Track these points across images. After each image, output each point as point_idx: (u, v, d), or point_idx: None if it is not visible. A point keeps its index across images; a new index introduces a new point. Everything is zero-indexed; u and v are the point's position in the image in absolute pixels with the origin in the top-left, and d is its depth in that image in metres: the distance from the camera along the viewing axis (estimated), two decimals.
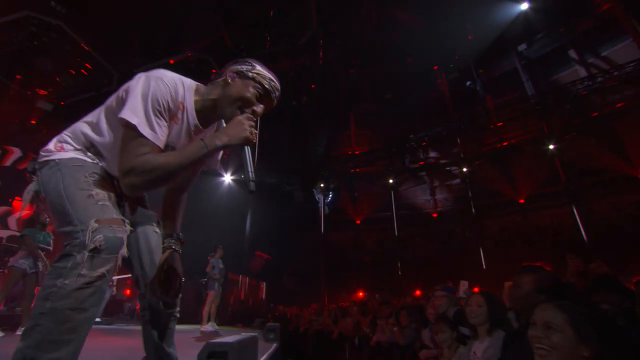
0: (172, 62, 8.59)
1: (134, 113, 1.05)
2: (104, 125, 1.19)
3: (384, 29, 11.95)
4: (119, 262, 0.98)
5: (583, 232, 10.47)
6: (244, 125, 1.13)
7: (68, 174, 1.10)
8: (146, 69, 1.18)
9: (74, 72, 8.95)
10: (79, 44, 8.48)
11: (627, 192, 10.61)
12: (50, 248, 4.81)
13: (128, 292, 9.46)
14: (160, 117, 1.10)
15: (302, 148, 13.95)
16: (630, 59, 9.92)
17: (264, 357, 2.60)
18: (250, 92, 1.21)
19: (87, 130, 1.21)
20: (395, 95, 14.07)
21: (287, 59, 10.49)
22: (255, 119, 1.19)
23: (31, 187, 1.15)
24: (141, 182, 1.01)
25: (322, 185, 14.47)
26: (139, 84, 1.10)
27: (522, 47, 12.52)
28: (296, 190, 13.93)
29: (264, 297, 12.67)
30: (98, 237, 0.94)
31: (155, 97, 1.08)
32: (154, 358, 1.25)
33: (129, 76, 1.19)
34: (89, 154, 1.19)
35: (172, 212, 1.41)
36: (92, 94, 8.94)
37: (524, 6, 11.33)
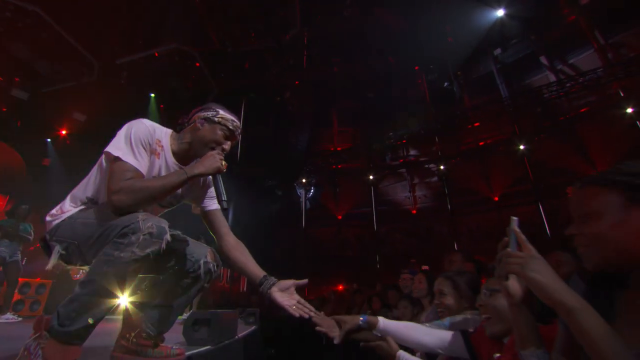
0: (156, 54, 8.51)
1: (117, 148, 1.28)
2: (97, 179, 1.37)
3: (367, 29, 12.21)
4: (164, 245, 1.19)
5: (547, 229, 11.18)
6: (216, 158, 1.39)
7: (88, 215, 1.29)
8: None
9: (51, 61, 8.72)
10: (57, 31, 8.27)
11: None
12: (31, 237, 4.83)
13: None
14: (142, 149, 1.31)
15: (284, 143, 14.08)
16: (593, 67, 10.64)
17: (243, 334, 2.82)
18: (219, 134, 1.45)
19: (84, 188, 1.39)
20: (377, 93, 14.40)
21: (271, 56, 10.59)
22: (224, 154, 1.47)
23: (57, 250, 1.25)
24: (129, 200, 1.18)
25: (304, 180, 14.66)
26: (122, 128, 1.33)
27: (497, 51, 13.12)
28: (278, 185, 14.08)
29: (244, 289, 12.80)
30: (149, 224, 1.17)
31: (136, 134, 1.31)
32: (160, 317, 1.40)
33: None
34: (90, 205, 1.36)
35: (247, 260, 1.55)
36: (72, 84, 8.74)
37: (500, 13, 11.88)
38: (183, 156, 1.47)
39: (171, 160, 1.44)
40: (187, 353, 1.53)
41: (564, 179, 12.13)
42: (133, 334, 1.33)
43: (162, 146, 1.41)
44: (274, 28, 9.35)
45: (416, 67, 14.00)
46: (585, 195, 0.75)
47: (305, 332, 7.16)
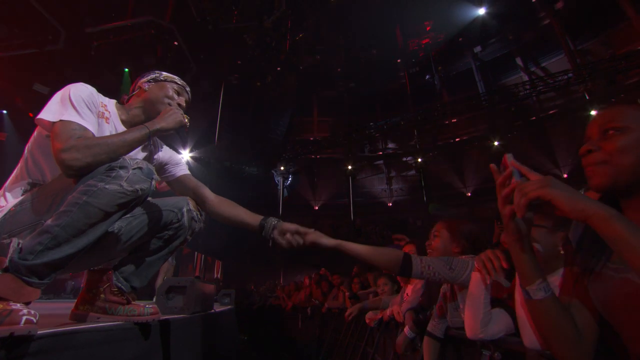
0: (129, 23, 7.96)
1: (53, 112, 1.07)
2: (35, 158, 1.18)
3: (352, 19, 12.13)
4: (153, 185, 1.07)
5: None
6: (176, 112, 1.28)
7: (44, 190, 1.10)
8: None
9: (9, 23, 7.92)
10: None
11: None
12: None
13: None
14: (86, 109, 1.12)
15: (264, 129, 13.80)
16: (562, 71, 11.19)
17: (220, 309, 2.72)
18: (169, 90, 1.37)
19: (21, 176, 1.18)
20: (358, 84, 14.40)
21: (253, 36, 10.24)
22: (182, 109, 1.37)
23: (16, 243, 0.96)
24: (85, 157, 1.00)
25: (282, 168, 14.49)
26: (55, 94, 1.12)
27: (477, 49, 13.48)
28: (256, 171, 13.82)
29: (218, 275, 12.57)
30: (137, 160, 1.05)
31: (76, 94, 1.11)
32: (134, 271, 1.25)
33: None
34: (34, 190, 1.15)
35: (239, 211, 1.46)
36: (33, 51, 8.02)
37: (482, 11, 12.17)
38: (134, 124, 1.29)
39: (121, 128, 1.28)
40: (162, 317, 1.41)
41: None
42: (101, 289, 1.19)
43: (109, 111, 1.24)
44: (258, 7, 9.01)
45: (398, 60, 14.11)
46: (618, 112, 0.73)
47: (279, 317, 7.13)
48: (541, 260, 0.97)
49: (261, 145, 13.52)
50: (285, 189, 14.90)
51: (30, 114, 8.68)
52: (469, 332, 1.21)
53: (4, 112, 8.99)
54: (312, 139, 15.92)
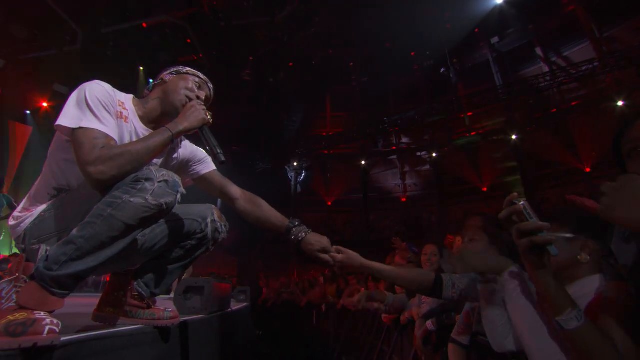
0: (145, 25, 8.06)
1: (72, 118, 1.04)
2: (59, 165, 1.15)
3: (365, 11, 11.92)
4: (178, 199, 1.06)
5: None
6: (198, 109, 1.23)
7: (71, 197, 1.11)
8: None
9: (30, 26, 8.16)
10: None
11: (575, 184, 11.62)
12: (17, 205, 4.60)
13: None
14: (104, 112, 1.09)
15: (277, 125, 13.82)
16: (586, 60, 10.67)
17: (236, 307, 2.73)
18: (190, 82, 1.33)
19: (47, 182, 1.17)
20: (371, 78, 14.19)
21: (265, 32, 10.21)
22: (204, 103, 1.31)
23: (44, 250, 0.97)
24: (111, 169, 0.98)
25: (295, 163, 14.49)
26: (71, 96, 1.09)
27: (494, 39, 13.02)
28: (269, 167, 13.87)
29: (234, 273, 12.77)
30: (163, 172, 1.02)
31: (92, 96, 1.07)
32: (155, 278, 1.25)
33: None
34: (61, 195, 1.15)
35: (267, 212, 1.46)
36: (53, 52, 8.23)
37: (499, 0, 11.73)
38: (152, 120, 1.27)
39: (140, 125, 1.24)
40: (181, 319, 1.41)
41: (551, 171, 12.34)
42: (123, 292, 1.20)
43: (127, 109, 1.20)
44: (270, 3, 8.97)
45: (412, 53, 13.82)
46: None
47: (293, 313, 7.17)
48: (558, 269, 0.93)
49: (274, 141, 13.56)
50: (298, 185, 14.91)
51: (50, 110, 8.94)
52: (494, 346, 1.14)
53: (27, 112, 9.31)
54: (325, 134, 15.84)
